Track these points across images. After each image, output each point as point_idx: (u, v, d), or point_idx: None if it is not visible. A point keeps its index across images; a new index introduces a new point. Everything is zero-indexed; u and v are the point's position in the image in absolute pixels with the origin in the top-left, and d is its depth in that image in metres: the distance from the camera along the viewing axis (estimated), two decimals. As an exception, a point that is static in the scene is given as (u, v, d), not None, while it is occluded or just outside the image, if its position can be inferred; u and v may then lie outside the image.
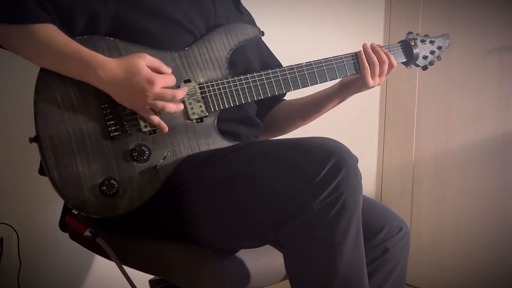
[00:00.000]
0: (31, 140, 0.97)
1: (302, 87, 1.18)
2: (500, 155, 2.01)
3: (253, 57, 1.26)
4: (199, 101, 1.08)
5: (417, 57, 1.32)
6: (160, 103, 0.99)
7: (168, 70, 1.02)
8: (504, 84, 1.99)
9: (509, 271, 1.98)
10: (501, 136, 2.00)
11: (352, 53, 1.23)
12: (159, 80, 0.97)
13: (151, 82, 0.96)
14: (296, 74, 1.17)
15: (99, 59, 0.97)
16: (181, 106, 1.03)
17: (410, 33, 1.34)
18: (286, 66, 1.17)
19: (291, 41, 1.99)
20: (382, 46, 1.26)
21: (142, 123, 1.02)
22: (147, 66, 0.98)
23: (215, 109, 1.09)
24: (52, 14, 0.98)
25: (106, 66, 0.96)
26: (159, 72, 1.00)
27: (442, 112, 2.17)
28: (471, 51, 2.07)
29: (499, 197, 2.01)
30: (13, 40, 0.99)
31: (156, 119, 1.01)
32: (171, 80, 1.01)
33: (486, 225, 2.04)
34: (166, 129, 1.02)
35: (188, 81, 1.08)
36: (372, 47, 1.23)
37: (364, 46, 1.23)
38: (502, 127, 2.00)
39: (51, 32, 0.97)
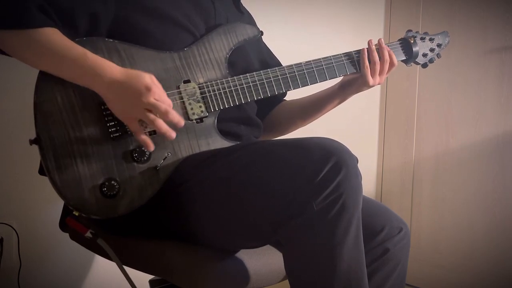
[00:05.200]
0: (31, 142, 0.97)
1: (302, 86, 1.18)
2: (500, 155, 2.01)
3: (253, 57, 1.26)
4: (198, 102, 1.08)
5: (416, 55, 1.32)
6: (150, 116, 0.96)
7: (169, 100, 0.99)
8: (504, 84, 1.99)
9: (509, 271, 1.98)
10: (501, 136, 2.00)
11: (351, 51, 1.23)
12: (156, 90, 0.96)
13: (148, 89, 0.95)
14: (296, 73, 1.17)
15: (105, 64, 0.97)
16: (173, 134, 0.98)
17: (410, 31, 1.34)
18: (286, 66, 1.17)
19: (291, 40, 1.99)
20: (381, 45, 1.26)
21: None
22: None
23: (215, 109, 1.09)
24: (53, 17, 0.98)
25: (111, 71, 0.96)
26: None
27: (442, 112, 2.17)
28: (471, 51, 2.07)
29: (499, 197, 2.01)
30: (15, 46, 0.98)
31: (142, 136, 0.97)
32: (168, 100, 0.98)
33: (486, 225, 2.04)
34: (152, 147, 0.98)
35: (187, 81, 1.08)
36: (379, 43, 1.23)
37: (369, 43, 1.23)
38: (502, 127, 2.00)
39: (54, 36, 0.97)
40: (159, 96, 0.97)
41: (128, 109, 0.97)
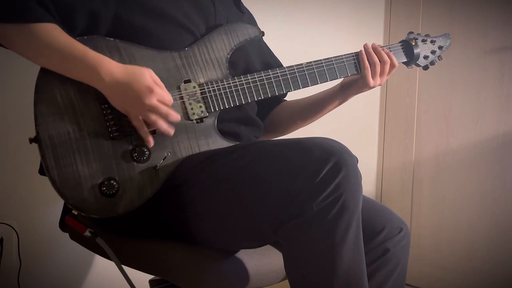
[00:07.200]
0: (31, 140, 0.97)
1: (303, 87, 1.18)
2: (500, 155, 2.01)
3: (254, 57, 1.26)
4: (199, 102, 1.08)
5: (418, 57, 1.32)
6: (153, 117, 0.98)
7: (169, 96, 1.01)
8: (504, 84, 1.99)
9: (509, 271, 1.98)
10: (501, 136, 2.00)
11: (352, 53, 1.23)
12: (158, 91, 0.97)
13: (150, 91, 0.96)
14: (297, 74, 1.17)
15: (104, 61, 0.97)
16: (172, 132, 1.01)
17: (411, 32, 1.34)
18: (287, 66, 1.17)
19: (292, 41, 1.99)
20: (383, 46, 1.26)
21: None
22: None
23: (215, 109, 1.09)
24: (53, 13, 0.98)
25: (110, 68, 0.96)
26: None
27: (442, 112, 2.17)
28: (471, 51, 2.07)
29: (499, 197, 2.01)
30: (15, 40, 0.98)
31: (144, 131, 0.99)
32: (168, 98, 1.00)
33: (486, 225, 2.05)
34: (151, 144, 1.01)
35: (188, 81, 1.08)
36: (374, 47, 1.23)
37: (365, 47, 1.23)
38: (502, 127, 2.00)
39: (53, 32, 0.97)
40: (161, 96, 0.98)
41: (130, 109, 0.98)
